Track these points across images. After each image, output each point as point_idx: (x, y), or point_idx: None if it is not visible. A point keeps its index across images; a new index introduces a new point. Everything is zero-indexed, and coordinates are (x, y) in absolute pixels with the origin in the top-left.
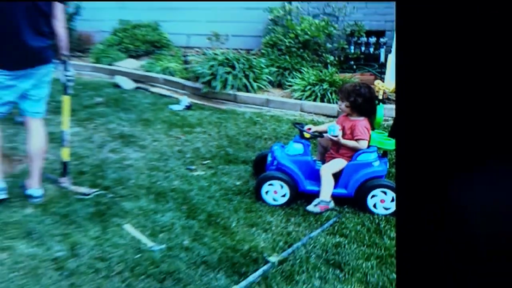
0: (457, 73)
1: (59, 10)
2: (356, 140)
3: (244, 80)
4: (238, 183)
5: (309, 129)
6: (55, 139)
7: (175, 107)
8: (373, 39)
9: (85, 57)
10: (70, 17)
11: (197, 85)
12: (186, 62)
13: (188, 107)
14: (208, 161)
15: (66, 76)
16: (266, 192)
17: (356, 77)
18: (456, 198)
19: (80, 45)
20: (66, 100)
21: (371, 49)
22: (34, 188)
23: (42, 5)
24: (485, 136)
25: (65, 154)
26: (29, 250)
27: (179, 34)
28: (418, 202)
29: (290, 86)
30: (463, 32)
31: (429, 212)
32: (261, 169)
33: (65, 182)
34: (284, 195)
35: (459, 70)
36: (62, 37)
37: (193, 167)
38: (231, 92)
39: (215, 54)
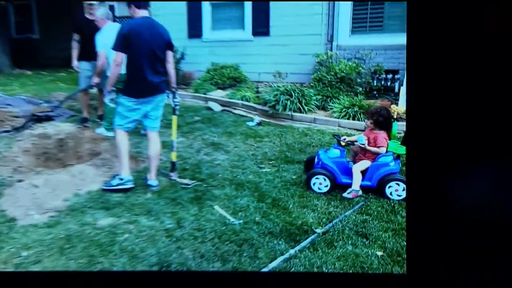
0: (454, 104)
1: (170, 56)
2: (378, 147)
3: (299, 105)
4: (294, 177)
5: (344, 139)
6: (166, 146)
7: (249, 124)
8: (390, 76)
9: (187, 89)
10: (177, 61)
11: (265, 108)
12: (257, 92)
13: (259, 124)
14: (273, 162)
15: (174, 102)
16: (314, 184)
17: (377, 103)
18: (450, 188)
19: (184, 80)
20: (174, 119)
21: (389, 83)
22: (152, 179)
23: (158, 53)
24: (470, 149)
25: (173, 156)
26: (148, 223)
27: (253, 72)
28: (422, 191)
29: (331, 109)
30: (458, 76)
31: (430, 198)
32: (310, 167)
33: (173, 176)
34: (326, 186)
35: (456, 102)
36: (172, 75)
37: (262, 165)
38: (289, 113)
39: (278, 86)
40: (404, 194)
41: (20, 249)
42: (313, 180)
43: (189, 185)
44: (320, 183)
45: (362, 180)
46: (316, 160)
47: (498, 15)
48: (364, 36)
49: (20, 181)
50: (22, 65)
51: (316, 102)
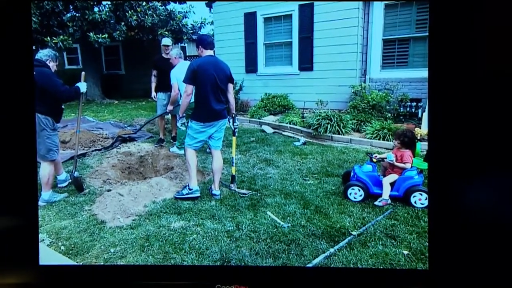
0: (468, 127)
1: (230, 88)
2: (404, 163)
3: (337, 128)
4: (333, 188)
5: (376, 156)
6: (227, 161)
7: (296, 144)
8: (414, 104)
9: (245, 114)
10: (237, 92)
11: (309, 130)
12: (303, 117)
13: (304, 144)
14: (315, 175)
15: (234, 125)
16: (350, 193)
17: (404, 126)
18: (465, 197)
19: (242, 108)
20: (234, 139)
21: (413, 109)
22: (216, 190)
23: (221, 85)
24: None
25: (233, 170)
26: (212, 225)
27: (299, 101)
28: (441, 200)
29: (365, 131)
30: (471, 104)
31: (448, 206)
32: (347, 179)
33: (233, 186)
34: (361, 195)
35: (469, 125)
36: (232, 103)
37: (307, 178)
38: (329, 134)
39: (320, 112)
40: (426, 203)
41: (109, 247)
42: (350, 190)
43: (246, 194)
44: (356, 193)
45: (391, 190)
46: (352, 173)
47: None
48: (392, 70)
49: (108, 190)
50: (111, 95)
51: (352, 125)
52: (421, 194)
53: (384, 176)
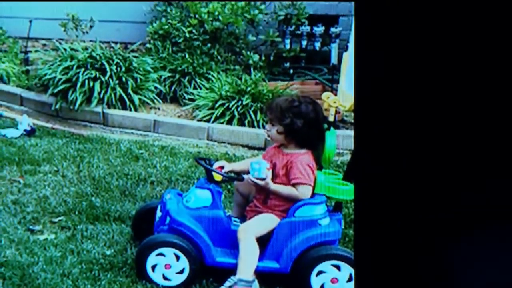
0: (448, 77)
1: None
2: (294, 185)
3: (120, 91)
4: (108, 252)
5: (221, 167)
6: None
7: (9, 133)
8: (319, 29)
9: None
10: None
11: (45, 98)
12: (26, 62)
13: (30, 133)
14: (61, 218)
15: None
16: (154, 267)
17: (293, 88)
18: (448, 272)
19: None
20: None
21: (317, 44)
22: None
23: None
24: (478, 179)
25: None
26: None
27: (16, 18)
28: (388, 283)
29: (192, 100)
30: (451, 18)
31: None
32: (145, 230)
33: None
34: (181, 271)
35: (450, 72)
36: None
37: (38, 227)
38: (98, 109)
39: (73, 50)
40: None
41: None
42: (153, 258)
43: None
44: (168, 266)
45: (261, 258)
46: (158, 214)
47: None
48: None
49: None
50: None
51: (158, 85)
52: (337, 268)
53: (244, 219)
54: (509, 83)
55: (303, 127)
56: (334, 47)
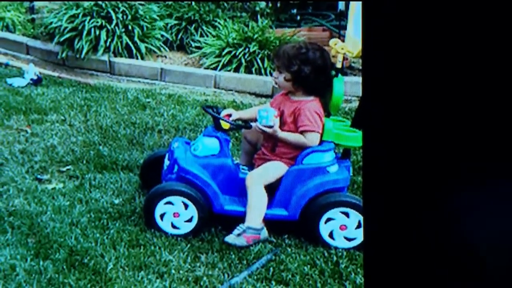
0: (464, 27)
1: None
2: (302, 132)
3: (126, 39)
4: (117, 201)
5: (229, 115)
6: None
7: (15, 82)
8: None
9: None
10: None
11: (51, 46)
12: (32, 10)
13: (37, 82)
14: (69, 167)
15: None
16: (162, 215)
17: (300, 34)
18: (451, 220)
19: None
20: None
21: None
22: None
23: None
24: (491, 131)
25: None
26: None
27: None
28: (396, 228)
29: (199, 48)
30: None
31: (413, 244)
32: (153, 178)
33: None
34: (190, 220)
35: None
36: None
37: (46, 176)
38: (105, 57)
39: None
40: (359, 236)
41: None
42: (161, 207)
43: None
44: (177, 214)
45: (269, 206)
46: (166, 162)
47: None
48: None
49: None
50: None
51: (164, 33)
52: (346, 215)
53: (252, 167)
54: None
55: (311, 74)
56: None
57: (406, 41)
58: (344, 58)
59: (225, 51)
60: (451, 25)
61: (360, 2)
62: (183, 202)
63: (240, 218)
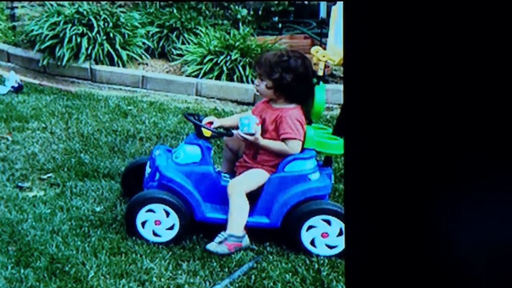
0: (447, 32)
1: None
2: (283, 140)
3: (107, 46)
4: (98, 209)
5: (210, 123)
6: None
7: None
8: None
9: None
10: None
11: (32, 54)
12: (13, 17)
13: (18, 89)
14: (50, 175)
15: None
16: (144, 223)
17: (282, 42)
18: (438, 230)
19: None
20: None
21: None
22: None
23: None
24: (481, 137)
25: None
26: None
27: None
28: (378, 236)
29: (180, 56)
30: None
31: (395, 252)
32: (135, 186)
33: None
34: (171, 227)
35: (450, 27)
36: None
37: (27, 184)
38: (86, 65)
39: (60, 5)
40: (341, 244)
41: None
42: (142, 215)
43: None
44: (158, 222)
45: (251, 214)
46: (148, 170)
47: None
48: None
49: None
50: None
51: (146, 41)
52: (327, 222)
53: (234, 175)
54: None
55: (292, 82)
56: (322, 2)
57: (388, 49)
58: (326, 66)
59: (207, 58)
60: (432, 33)
61: (342, 10)
62: (164, 209)
63: (221, 225)
